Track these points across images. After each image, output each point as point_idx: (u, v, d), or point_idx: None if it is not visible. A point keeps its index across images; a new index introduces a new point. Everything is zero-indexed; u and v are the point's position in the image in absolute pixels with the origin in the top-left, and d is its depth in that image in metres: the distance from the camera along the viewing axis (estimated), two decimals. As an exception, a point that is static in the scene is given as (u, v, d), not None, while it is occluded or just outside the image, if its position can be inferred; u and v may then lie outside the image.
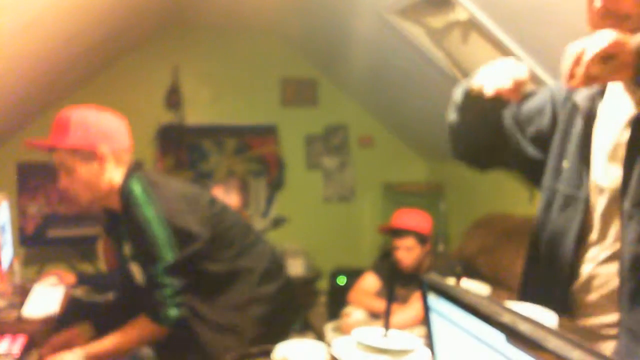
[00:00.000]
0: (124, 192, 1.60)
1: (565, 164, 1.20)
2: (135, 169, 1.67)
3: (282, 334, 1.63)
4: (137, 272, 1.70)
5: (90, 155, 1.58)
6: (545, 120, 1.26)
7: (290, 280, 1.91)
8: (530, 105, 1.30)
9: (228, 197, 3.33)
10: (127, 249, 1.70)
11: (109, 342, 1.58)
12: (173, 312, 1.57)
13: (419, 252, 2.52)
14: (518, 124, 1.30)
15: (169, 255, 1.55)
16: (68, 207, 3.47)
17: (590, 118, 1.16)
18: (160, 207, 1.56)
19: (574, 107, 1.20)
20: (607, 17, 0.98)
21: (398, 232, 2.53)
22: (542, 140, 1.27)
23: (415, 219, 2.59)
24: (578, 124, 1.18)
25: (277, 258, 1.90)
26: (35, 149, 1.66)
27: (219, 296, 1.70)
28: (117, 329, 1.63)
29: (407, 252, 2.51)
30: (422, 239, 2.52)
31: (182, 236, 1.57)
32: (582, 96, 1.18)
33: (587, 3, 1.04)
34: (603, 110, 1.16)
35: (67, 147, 1.57)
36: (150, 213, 1.55)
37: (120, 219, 1.66)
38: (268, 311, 1.74)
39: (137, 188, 1.59)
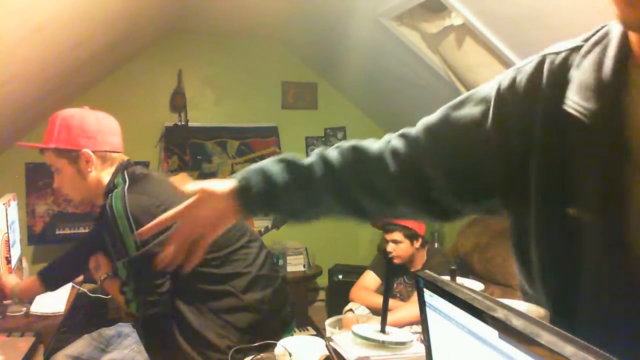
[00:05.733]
0: (107, 191, 1.55)
1: None
2: (123, 167, 1.60)
3: (266, 346, 1.51)
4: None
5: (73, 155, 1.56)
6: (486, 134, 0.79)
7: (284, 289, 1.75)
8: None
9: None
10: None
11: None
12: (133, 309, 1.53)
13: (407, 247, 2.54)
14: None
15: (132, 251, 1.47)
16: (74, 206, 3.40)
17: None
18: (133, 202, 1.48)
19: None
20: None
21: (387, 226, 2.58)
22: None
23: None
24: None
25: (272, 265, 1.75)
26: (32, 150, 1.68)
27: (203, 302, 1.57)
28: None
29: (396, 246, 2.54)
30: (409, 233, 2.54)
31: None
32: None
33: None
34: None
35: (51, 148, 1.57)
36: (119, 206, 1.48)
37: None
38: (252, 320, 1.59)
39: (119, 184, 1.55)
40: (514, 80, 0.74)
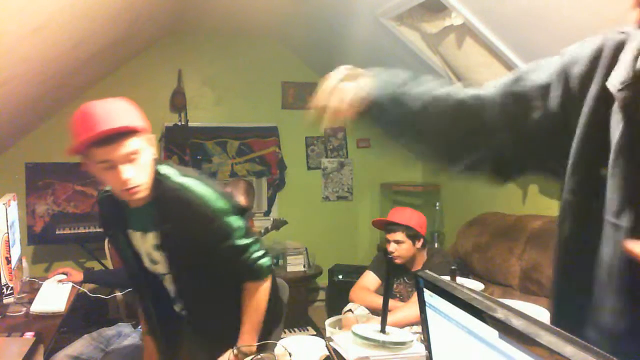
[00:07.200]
0: (159, 179, 1.51)
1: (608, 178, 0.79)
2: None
3: (266, 346, 1.55)
4: (161, 261, 1.59)
5: (150, 139, 1.51)
6: (550, 104, 0.86)
7: (275, 289, 1.78)
8: (527, 79, 0.90)
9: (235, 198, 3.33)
10: (151, 239, 1.57)
11: (250, 326, 1.59)
12: (267, 261, 1.61)
13: (409, 247, 2.54)
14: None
15: (237, 222, 1.54)
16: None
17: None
18: (210, 184, 1.55)
19: (607, 97, 0.78)
20: None
21: (389, 226, 2.57)
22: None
23: (405, 214, 2.62)
24: (616, 122, 0.77)
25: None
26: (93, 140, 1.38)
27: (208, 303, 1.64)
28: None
29: (398, 246, 2.53)
30: (411, 233, 2.54)
31: (238, 206, 1.59)
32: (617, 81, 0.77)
33: None
34: None
35: (147, 131, 1.48)
36: (207, 192, 1.51)
37: (144, 208, 1.53)
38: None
39: (170, 173, 1.53)
40: (576, 55, 0.84)
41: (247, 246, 1.57)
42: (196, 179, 1.55)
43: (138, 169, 1.44)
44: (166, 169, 1.54)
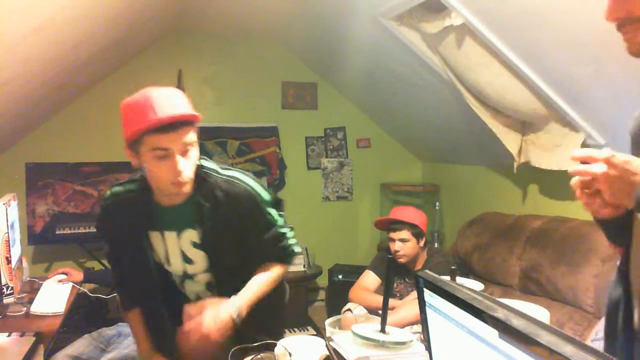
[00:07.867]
0: (205, 173, 1.47)
1: None
2: None
3: (266, 346, 1.50)
4: (198, 259, 1.53)
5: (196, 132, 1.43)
6: None
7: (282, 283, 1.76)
8: None
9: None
10: (190, 237, 1.50)
11: (253, 292, 1.50)
12: (297, 248, 1.66)
13: (414, 245, 2.54)
14: None
15: (277, 216, 1.58)
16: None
17: None
18: (254, 179, 1.56)
19: None
20: (622, 24, 0.83)
21: (393, 225, 2.57)
22: None
23: (409, 213, 2.62)
24: None
25: None
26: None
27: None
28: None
29: (403, 244, 2.53)
30: (415, 231, 2.54)
31: (276, 197, 1.65)
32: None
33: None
34: None
35: (198, 120, 1.39)
36: (254, 183, 1.52)
37: (183, 205, 1.47)
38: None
39: (216, 167, 1.51)
40: None
41: (286, 233, 1.61)
42: (238, 171, 1.54)
43: (189, 162, 1.38)
44: (209, 164, 1.51)
